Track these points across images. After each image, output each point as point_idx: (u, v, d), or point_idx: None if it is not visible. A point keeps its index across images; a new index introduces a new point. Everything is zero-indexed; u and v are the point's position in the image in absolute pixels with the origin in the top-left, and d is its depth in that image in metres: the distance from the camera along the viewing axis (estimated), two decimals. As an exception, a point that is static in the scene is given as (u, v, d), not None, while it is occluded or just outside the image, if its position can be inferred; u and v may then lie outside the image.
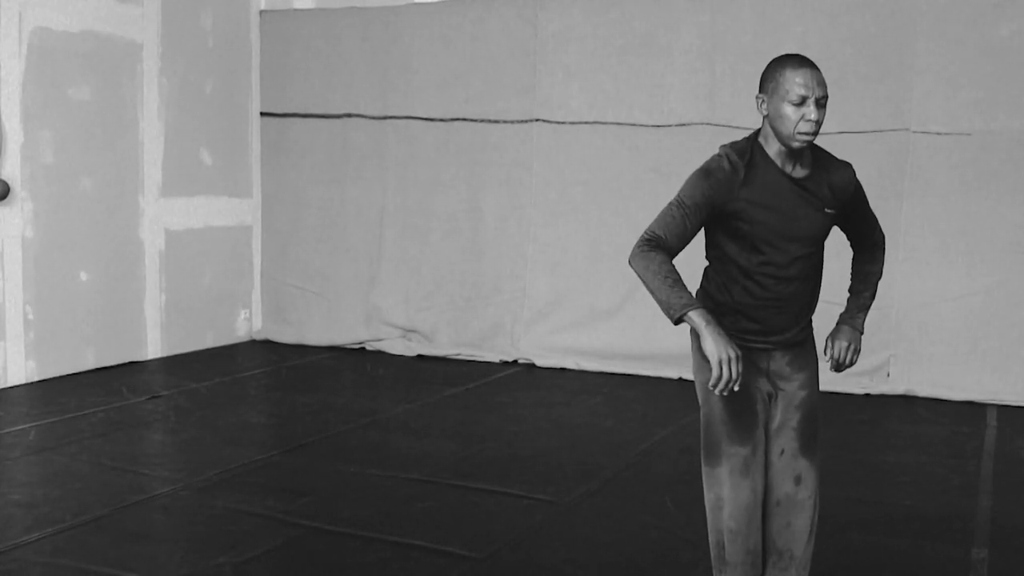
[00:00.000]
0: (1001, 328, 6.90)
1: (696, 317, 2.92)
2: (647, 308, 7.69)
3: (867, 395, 7.01)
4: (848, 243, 3.44)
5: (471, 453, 5.55)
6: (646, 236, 3.05)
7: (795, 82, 2.97)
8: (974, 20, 6.87)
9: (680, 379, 7.46)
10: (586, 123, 7.88)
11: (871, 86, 7.06)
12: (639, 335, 7.69)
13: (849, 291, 3.41)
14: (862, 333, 3.33)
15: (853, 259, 3.43)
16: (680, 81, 7.58)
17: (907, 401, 6.91)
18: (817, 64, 3.07)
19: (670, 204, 3.09)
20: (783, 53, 3.13)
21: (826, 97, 3.00)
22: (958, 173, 6.97)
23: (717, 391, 2.89)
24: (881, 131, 7.07)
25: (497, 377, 7.57)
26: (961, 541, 4.31)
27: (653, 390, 7.22)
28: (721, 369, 2.86)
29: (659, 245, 3.03)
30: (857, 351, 3.31)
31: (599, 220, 7.86)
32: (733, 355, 2.87)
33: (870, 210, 3.35)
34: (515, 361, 8.05)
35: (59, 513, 4.47)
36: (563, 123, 7.95)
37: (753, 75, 7.16)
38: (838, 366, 3.31)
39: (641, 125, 7.70)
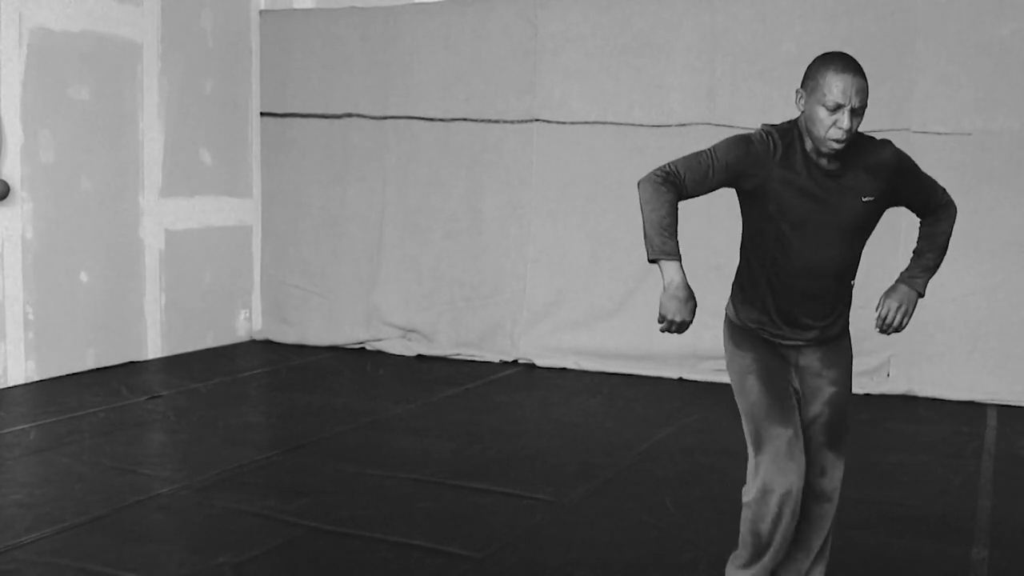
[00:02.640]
0: (1001, 328, 6.90)
1: (667, 269, 2.92)
2: (647, 308, 7.68)
3: (867, 395, 7.01)
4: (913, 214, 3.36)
5: (471, 453, 5.55)
6: (665, 168, 3.00)
7: (833, 87, 2.91)
8: (974, 20, 6.87)
9: (680, 379, 7.46)
10: (586, 123, 7.87)
11: (871, 86, 7.00)
12: (639, 335, 7.68)
13: (913, 252, 3.30)
14: (922, 295, 3.21)
15: (920, 224, 3.34)
16: (680, 81, 7.58)
17: (907, 401, 6.91)
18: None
19: (700, 152, 3.04)
20: (835, 51, 3.03)
21: (864, 106, 2.94)
22: (958, 173, 6.96)
23: (662, 328, 2.94)
24: (881, 131, 7.05)
25: (497, 377, 7.57)
26: (961, 541, 4.30)
27: (653, 390, 7.22)
28: (663, 322, 2.91)
29: (674, 183, 2.98)
30: (908, 314, 3.16)
31: (599, 220, 7.86)
32: (678, 322, 2.90)
33: (924, 178, 3.24)
34: (515, 361, 8.05)
35: (59, 513, 4.47)
36: (563, 123, 7.94)
37: (753, 75, 7.23)
38: (884, 327, 3.17)
39: (641, 125, 7.70)
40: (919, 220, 3.34)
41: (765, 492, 3.08)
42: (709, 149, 3.04)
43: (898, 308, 3.16)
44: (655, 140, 7.65)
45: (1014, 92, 6.80)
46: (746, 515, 3.17)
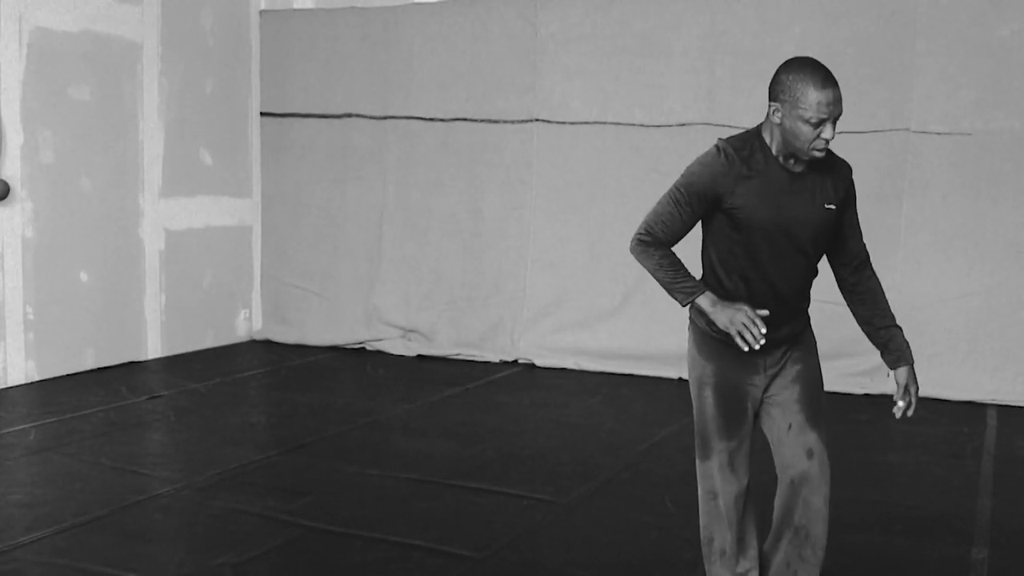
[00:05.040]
0: (1001, 328, 6.89)
1: (701, 303, 3.09)
2: (647, 308, 7.69)
3: (867, 395, 7.00)
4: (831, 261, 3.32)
5: (471, 453, 5.55)
6: (641, 232, 3.14)
7: (818, 104, 2.92)
8: (974, 20, 6.86)
9: (680, 379, 7.45)
10: (586, 123, 7.87)
11: (871, 86, 7.06)
12: (639, 335, 7.68)
13: (880, 333, 3.26)
14: (913, 362, 3.25)
15: (850, 289, 3.29)
16: (680, 81, 7.58)
17: (907, 401, 6.90)
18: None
19: (666, 196, 3.13)
20: (800, 58, 3.02)
21: (842, 113, 2.97)
22: (958, 173, 6.97)
23: (747, 348, 3.00)
24: (881, 131, 7.07)
25: (497, 377, 7.57)
26: (961, 541, 4.31)
27: (653, 390, 7.22)
28: (741, 334, 2.99)
29: (654, 242, 3.13)
30: (918, 388, 3.24)
31: (599, 220, 7.86)
32: (742, 319, 2.98)
33: (858, 218, 3.28)
34: (515, 361, 8.05)
35: (59, 513, 4.47)
36: (563, 123, 7.94)
37: (753, 75, 7.23)
38: (906, 414, 3.24)
39: (641, 125, 7.70)
40: (842, 279, 3.31)
41: (713, 496, 3.30)
42: (673, 190, 3.12)
43: (906, 392, 3.22)
44: (655, 140, 7.65)
45: (1014, 92, 6.80)
46: (701, 515, 3.35)
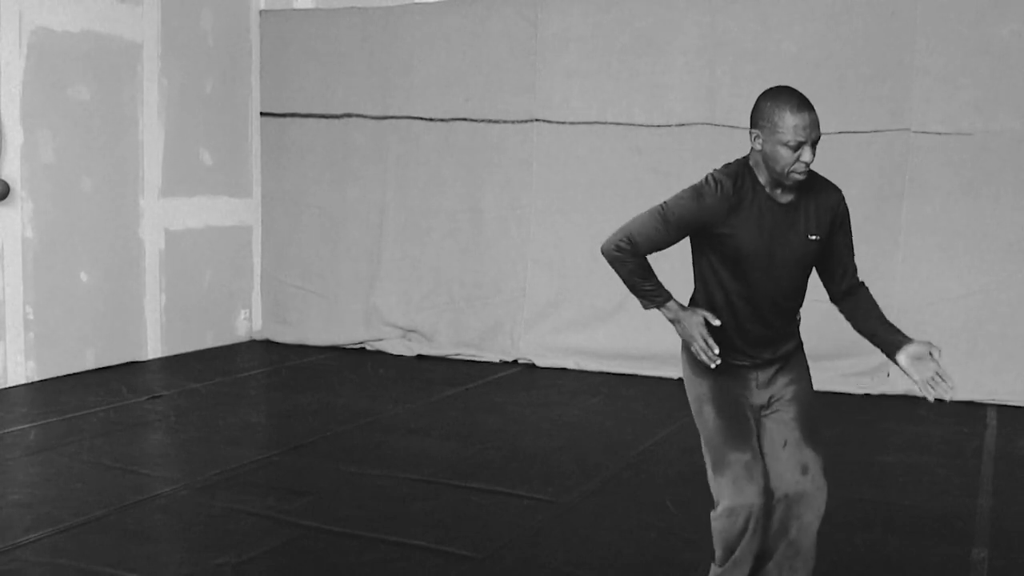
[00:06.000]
0: (1001, 328, 6.89)
1: (665, 312, 3.21)
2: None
3: (867, 395, 7.00)
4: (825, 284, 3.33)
5: (471, 453, 5.55)
6: (621, 240, 3.19)
7: (794, 128, 3.00)
8: (974, 20, 6.86)
9: (680, 379, 7.43)
10: (586, 123, 7.87)
11: (871, 86, 7.06)
12: (639, 335, 7.68)
13: (875, 330, 3.25)
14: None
15: (850, 311, 3.29)
16: (680, 81, 7.58)
17: (907, 401, 6.90)
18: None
19: (654, 212, 3.18)
20: (778, 86, 3.12)
21: (820, 136, 3.04)
22: (958, 173, 6.97)
23: (706, 361, 3.11)
24: (881, 131, 7.07)
25: (497, 377, 7.57)
26: (961, 541, 4.31)
27: (653, 390, 7.21)
28: (697, 345, 3.11)
29: (633, 252, 3.18)
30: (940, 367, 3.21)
31: (599, 220, 7.83)
32: (698, 339, 3.11)
33: (852, 243, 3.28)
34: (515, 361, 8.04)
35: (59, 513, 4.47)
36: (563, 123, 7.94)
37: (753, 75, 7.23)
38: (942, 389, 3.22)
39: (641, 125, 7.70)
40: (841, 304, 3.32)
41: (731, 513, 3.20)
42: (663, 209, 3.16)
43: (936, 362, 3.19)
44: (655, 140, 7.65)
45: (1014, 92, 6.80)
46: (716, 529, 3.28)
